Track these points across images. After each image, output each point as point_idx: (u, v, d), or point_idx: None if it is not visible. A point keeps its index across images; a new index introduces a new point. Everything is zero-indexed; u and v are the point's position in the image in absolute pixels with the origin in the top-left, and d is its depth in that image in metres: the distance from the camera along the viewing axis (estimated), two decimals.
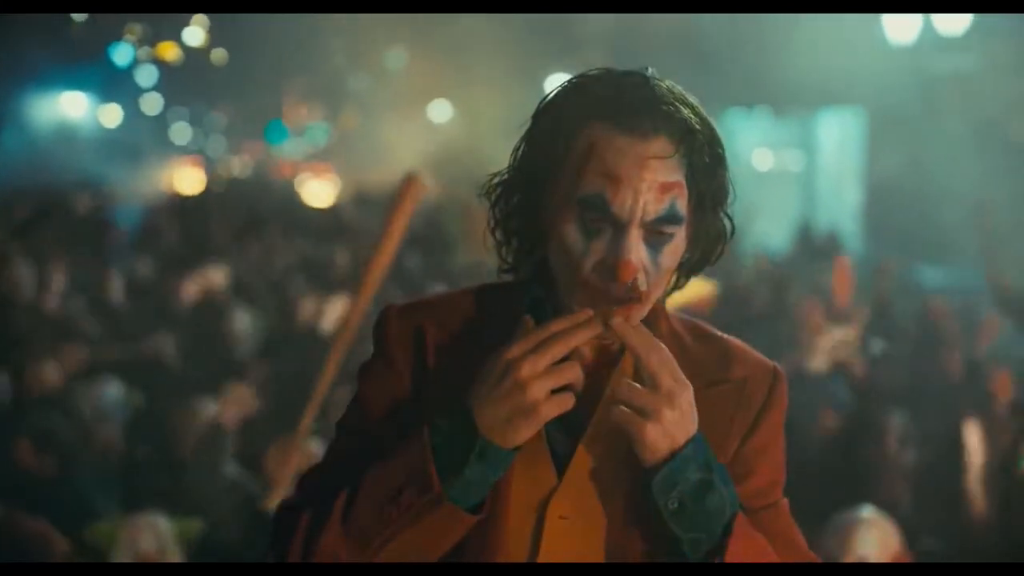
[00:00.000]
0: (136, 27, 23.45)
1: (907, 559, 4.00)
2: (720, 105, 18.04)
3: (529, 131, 1.87)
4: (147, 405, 6.02)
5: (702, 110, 1.81)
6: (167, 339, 6.98)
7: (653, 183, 1.74)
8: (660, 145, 1.74)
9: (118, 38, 22.75)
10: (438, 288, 8.98)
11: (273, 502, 4.95)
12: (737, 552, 1.77)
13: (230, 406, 5.72)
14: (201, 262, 9.29)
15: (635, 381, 1.78)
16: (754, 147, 19.88)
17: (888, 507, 4.39)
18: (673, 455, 1.76)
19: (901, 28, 14.79)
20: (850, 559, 3.91)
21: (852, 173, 19.13)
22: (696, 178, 1.78)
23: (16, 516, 4.31)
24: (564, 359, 1.76)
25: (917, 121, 15.46)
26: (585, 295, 1.78)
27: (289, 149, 30.03)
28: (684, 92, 1.82)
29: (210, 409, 5.38)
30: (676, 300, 2.00)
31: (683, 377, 1.78)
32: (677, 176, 1.76)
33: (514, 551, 1.83)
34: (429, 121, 23.34)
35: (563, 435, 1.86)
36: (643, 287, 1.78)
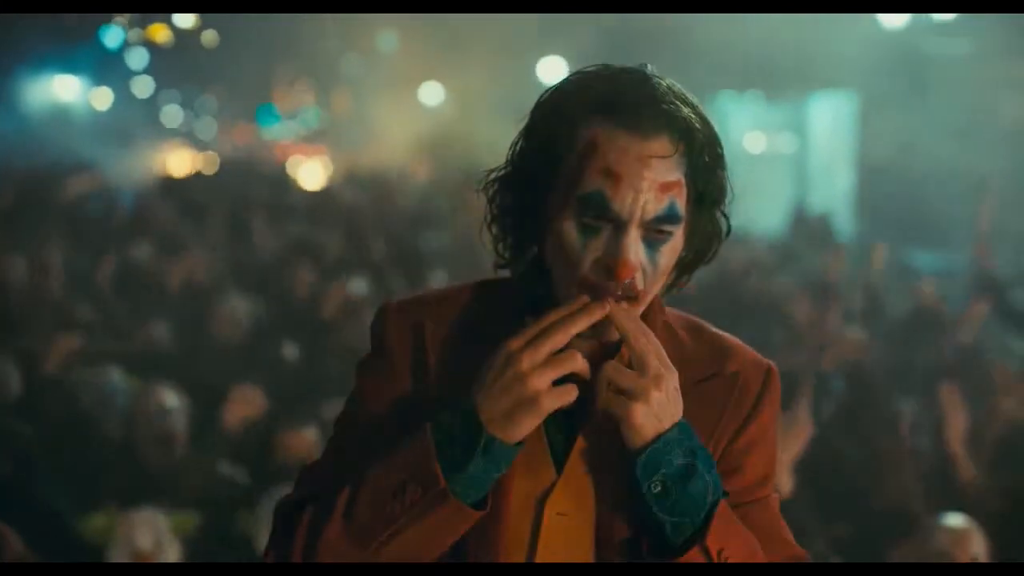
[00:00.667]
0: None
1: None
2: (712, 88, 18.03)
3: (527, 126, 1.87)
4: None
5: (702, 109, 1.82)
6: (160, 326, 6.93)
7: (653, 182, 1.74)
8: (661, 144, 1.75)
9: (108, 20, 22.64)
10: (435, 271, 8.99)
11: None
12: (718, 538, 1.79)
13: (236, 406, 5.68)
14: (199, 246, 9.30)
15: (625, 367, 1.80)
16: (746, 130, 19.85)
17: (902, 498, 4.41)
18: (658, 438, 1.77)
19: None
20: (965, 559, 3.93)
21: (844, 156, 19.13)
22: (695, 178, 1.79)
23: None
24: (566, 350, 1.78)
25: (909, 104, 15.43)
26: (581, 292, 1.78)
27: (281, 132, 29.93)
28: (684, 90, 1.82)
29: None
30: None
31: (669, 362, 1.80)
32: (677, 175, 1.76)
33: (513, 547, 1.85)
34: (421, 103, 23.27)
35: (562, 430, 1.87)
36: (640, 286, 1.79)
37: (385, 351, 1.94)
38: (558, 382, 1.77)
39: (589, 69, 1.86)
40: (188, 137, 28.63)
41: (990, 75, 13.77)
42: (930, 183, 15.27)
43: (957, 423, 4.91)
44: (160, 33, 24.44)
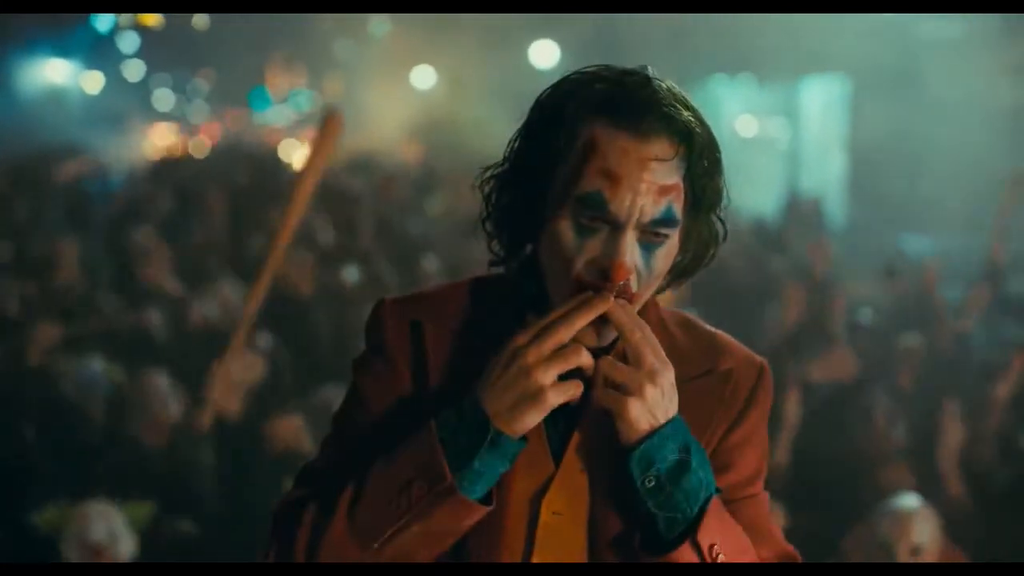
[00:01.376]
0: None
1: (954, 551, 3.97)
2: (704, 72, 18.01)
3: (526, 124, 1.87)
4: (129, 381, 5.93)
5: (701, 113, 1.82)
6: (154, 313, 6.90)
7: (652, 185, 1.74)
8: (661, 147, 1.75)
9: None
10: (427, 256, 8.98)
11: (205, 419, 5.03)
12: (709, 533, 1.80)
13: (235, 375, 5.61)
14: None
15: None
16: (738, 114, 19.85)
17: (891, 492, 4.39)
18: (652, 433, 1.78)
19: None
20: (904, 549, 3.88)
21: (836, 140, 19.13)
22: (693, 181, 1.79)
23: None
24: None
25: (901, 88, 15.43)
26: (574, 293, 1.79)
27: (273, 115, 29.87)
28: (684, 93, 1.82)
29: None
30: None
31: (665, 357, 1.80)
32: (675, 179, 1.77)
33: (512, 545, 1.86)
34: (413, 87, 23.22)
35: (559, 425, 1.87)
36: (634, 288, 1.79)
37: (383, 350, 1.94)
38: (563, 377, 1.77)
39: (590, 69, 1.86)
40: (180, 120, 28.58)
41: (983, 59, 13.76)
42: (922, 167, 15.28)
43: (952, 440, 4.90)
44: (151, 16, 24.36)
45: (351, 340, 6.48)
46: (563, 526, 1.86)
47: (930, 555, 3.89)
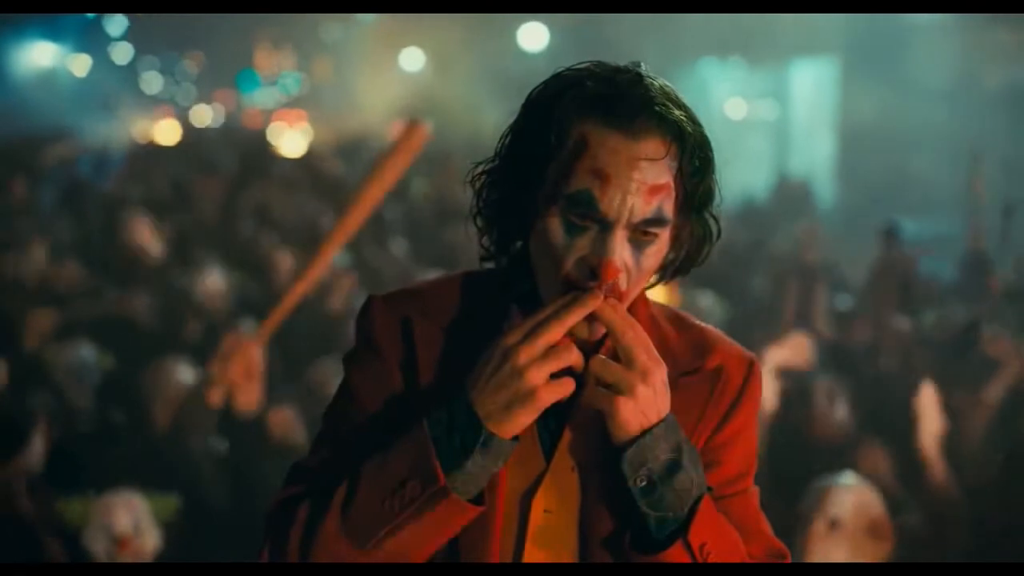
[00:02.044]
0: None
1: (888, 527, 3.96)
2: (694, 54, 18.01)
3: (517, 121, 1.84)
4: (120, 368, 5.88)
5: (692, 111, 1.79)
6: (139, 298, 6.88)
7: (642, 184, 1.73)
8: (652, 146, 1.73)
9: None
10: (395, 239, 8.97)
11: (214, 397, 4.96)
12: (700, 533, 1.79)
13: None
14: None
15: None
16: (727, 96, 19.86)
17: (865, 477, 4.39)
18: (644, 432, 1.77)
19: None
20: (821, 522, 3.87)
21: (825, 122, 19.16)
22: (684, 181, 1.77)
23: None
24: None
25: (891, 70, 15.45)
26: (564, 291, 1.78)
27: (261, 98, 29.83)
28: (677, 91, 1.80)
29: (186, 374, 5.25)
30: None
31: (657, 356, 1.79)
32: (666, 178, 1.75)
33: (503, 543, 1.85)
34: (401, 69, 23.21)
35: (549, 424, 1.86)
36: (623, 287, 1.78)
37: (374, 347, 1.92)
38: (553, 375, 1.76)
39: (581, 66, 1.83)
40: (168, 103, 28.53)
41: (972, 40, 13.78)
42: (911, 148, 15.31)
43: (931, 425, 4.88)
44: None
45: (337, 328, 6.45)
46: (554, 525, 1.86)
47: (851, 528, 3.89)
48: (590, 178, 1.73)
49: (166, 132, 21.39)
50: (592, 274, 1.75)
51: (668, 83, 1.81)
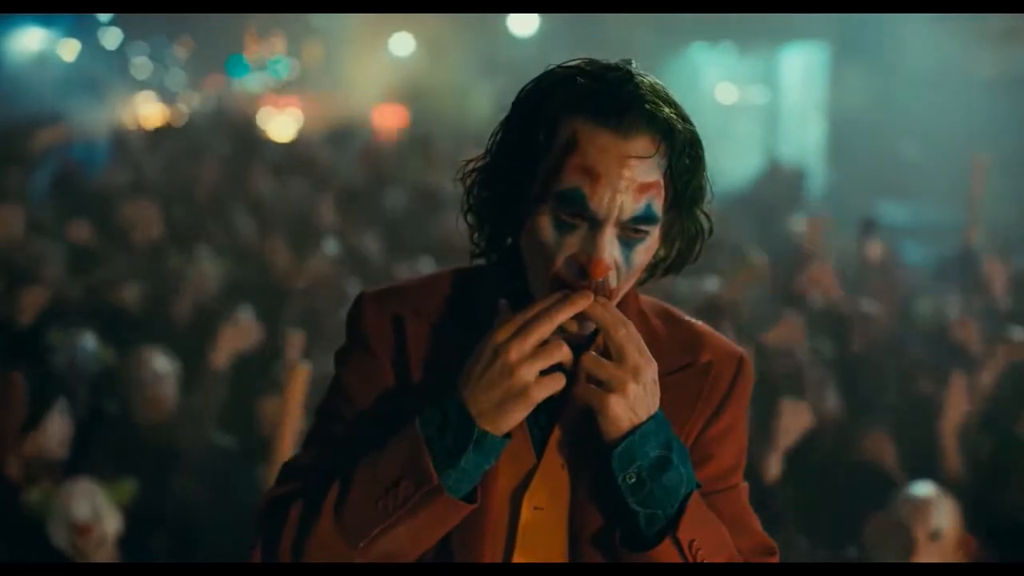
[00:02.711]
0: None
1: (971, 540, 4.00)
2: (684, 40, 17.99)
3: (508, 118, 1.86)
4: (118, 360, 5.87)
5: (683, 109, 1.81)
6: (131, 287, 6.86)
7: (632, 182, 1.74)
8: (642, 144, 1.75)
9: None
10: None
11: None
12: (690, 530, 1.81)
13: (228, 340, 5.59)
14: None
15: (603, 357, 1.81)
16: (718, 81, 19.84)
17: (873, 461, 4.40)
18: (634, 429, 1.79)
19: None
20: (922, 532, 3.90)
21: (815, 108, 19.16)
22: (674, 179, 1.79)
23: None
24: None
25: (880, 56, 15.45)
26: (554, 288, 1.79)
27: (251, 83, 29.73)
28: (667, 89, 1.81)
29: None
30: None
31: (648, 353, 1.81)
32: (656, 176, 1.76)
33: (494, 540, 1.86)
34: (391, 54, 23.13)
35: (539, 420, 1.88)
36: (613, 284, 1.80)
37: (365, 344, 1.94)
38: (543, 372, 1.77)
39: (572, 63, 1.84)
40: (158, 88, 28.42)
41: (963, 26, 13.77)
42: (901, 135, 15.31)
43: (956, 413, 4.92)
44: None
45: (331, 317, 6.46)
46: (544, 521, 1.87)
47: (948, 540, 3.92)
48: (580, 176, 1.74)
49: (156, 117, 21.33)
50: (582, 272, 1.77)
51: (658, 81, 1.82)
